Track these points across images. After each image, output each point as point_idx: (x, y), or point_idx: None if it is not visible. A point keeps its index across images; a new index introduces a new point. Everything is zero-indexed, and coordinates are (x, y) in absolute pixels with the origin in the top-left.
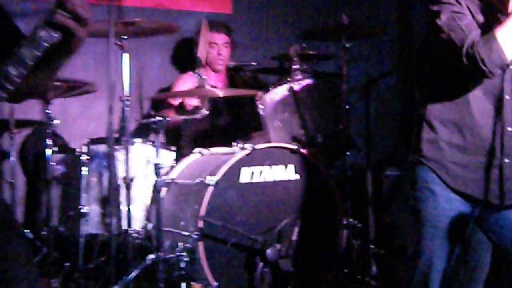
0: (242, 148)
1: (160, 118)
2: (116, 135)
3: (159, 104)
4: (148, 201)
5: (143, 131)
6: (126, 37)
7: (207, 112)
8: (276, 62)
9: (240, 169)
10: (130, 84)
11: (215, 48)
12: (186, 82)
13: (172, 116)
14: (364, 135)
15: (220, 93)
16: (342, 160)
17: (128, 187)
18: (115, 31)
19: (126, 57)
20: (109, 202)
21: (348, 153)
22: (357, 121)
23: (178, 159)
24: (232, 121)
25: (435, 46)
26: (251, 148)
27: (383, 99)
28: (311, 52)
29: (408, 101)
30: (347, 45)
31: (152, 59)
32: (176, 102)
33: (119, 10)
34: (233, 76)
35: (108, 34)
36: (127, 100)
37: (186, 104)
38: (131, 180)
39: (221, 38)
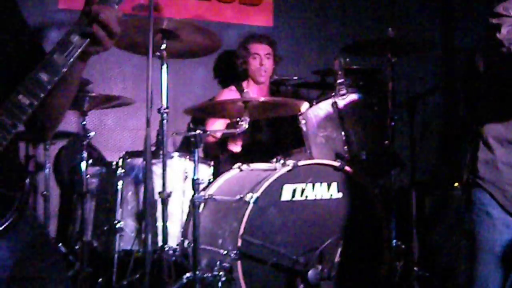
0: (284, 165)
1: (200, 132)
2: (153, 149)
3: (199, 119)
4: (185, 217)
5: (182, 145)
6: (164, 49)
7: (247, 126)
8: (318, 77)
9: (281, 187)
10: (168, 96)
11: (257, 59)
12: (228, 97)
13: (212, 130)
14: (409, 153)
15: (261, 98)
16: (386, 178)
17: (164, 202)
18: (155, 43)
19: (165, 68)
20: (144, 217)
21: (392, 171)
22: (401, 138)
23: (216, 174)
24: (272, 136)
25: (493, 60)
26: (293, 165)
27: (428, 116)
28: (355, 67)
29: (452, 119)
30: (393, 60)
31: (192, 71)
32: (216, 137)
33: (159, 21)
34: (275, 91)
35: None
36: (165, 112)
37: (229, 146)
38: (168, 195)
39: (263, 49)
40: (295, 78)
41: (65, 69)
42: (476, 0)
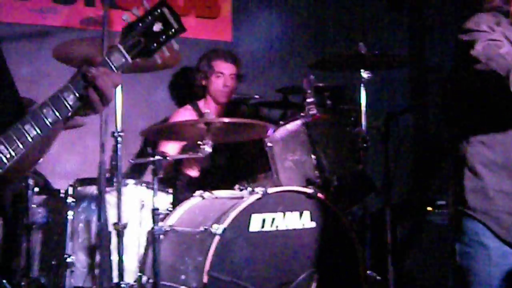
0: (252, 192)
1: (159, 157)
2: (107, 175)
3: (152, 142)
4: (143, 251)
5: (137, 171)
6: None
7: (210, 150)
8: (281, 95)
9: (250, 216)
10: (122, 117)
11: (221, 78)
12: (184, 117)
13: (172, 155)
14: (382, 176)
15: (225, 119)
16: (360, 205)
17: (120, 234)
18: None
19: (118, 87)
20: (98, 251)
21: (366, 197)
22: (374, 161)
23: (175, 202)
24: (234, 160)
25: (471, 79)
26: (262, 192)
27: (400, 137)
28: (321, 84)
29: (423, 139)
30: (365, 77)
31: (149, 90)
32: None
33: (110, 35)
34: (233, 111)
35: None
36: (120, 136)
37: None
38: (124, 226)
39: (228, 68)
40: (256, 96)
41: (51, 126)
42: (446, 15)
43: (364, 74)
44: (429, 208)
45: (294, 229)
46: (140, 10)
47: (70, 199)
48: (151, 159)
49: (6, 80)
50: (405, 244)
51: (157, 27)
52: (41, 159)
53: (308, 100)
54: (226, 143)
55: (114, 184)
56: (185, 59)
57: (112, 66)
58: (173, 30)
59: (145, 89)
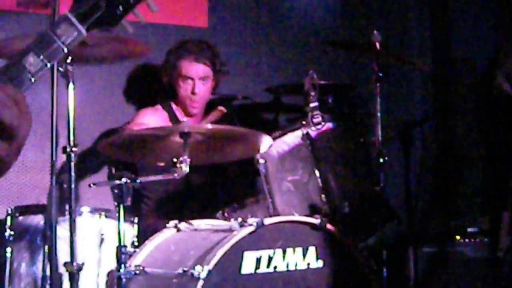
0: (243, 224)
1: (126, 180)
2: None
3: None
4: None
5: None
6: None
7: (187, 170)
8: (270, 96)
9: (242, 255)
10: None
11: (188, 83)
12: (153, 120)
13: (142, 178)
14: (403, 199)
15: (207, 126)
16: (377, 236)
17: (73, 278)
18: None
19: (71, 88)
20: None
21: (384, 226)
22: (393, 180)
23: (140, 235)
24: (215, 179)
25: None
26: (256, 224)
27: (421, 150)
28: (323, 82)
29: (448, 152)
30: (380, 74)
31: (106, 90)
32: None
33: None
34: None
35: None
36: (74, 152)
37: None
38: (79, 267)
39: (197, 71)
40: (240, 97)
41: None
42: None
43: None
44: (458, 237)
45: (297, 270)
46: None
47: (8, 232)
48: (117, 182)
49: None
50: (429, 280)
51: None
52: None
53: (312, 105)
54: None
55: (66, 212)
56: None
57: (60, 43)
58: None
59: (102, 88)
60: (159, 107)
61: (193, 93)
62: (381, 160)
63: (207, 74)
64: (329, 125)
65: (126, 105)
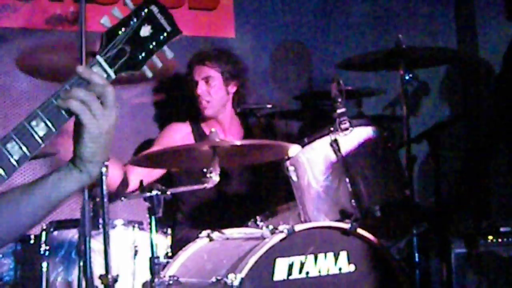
0: (274, 231)
1: (157, 192)
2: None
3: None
4: None
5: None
6: None
7: (218, 179)
8: (299, 103)
9: (274, 262)
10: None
11: (194, 87)
12: (179, 133)
13: (173, 189)
14: (434, 202)
15: (236, 142)
16: (408, 239)
17: None
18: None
19: None
20: None
21: (415, 229)
22: (423, 183)
23: (174, 246)
24: (246, 188)
25: None
26: (287, 231)
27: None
28: (350, 88)
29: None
30: (406, 77)
31: (135, 107)
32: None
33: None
34: (243, 125)
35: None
36: (105, 166)
37: None
38: (114, 279)
39: (199, 72)
40: (269, 106)
41: (19, 166)
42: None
43: (406, 74)
44: (490, 237)
45: (329, 275)
46: (123, 11)
47: (43, 247)
48: (148, 194)
49: None
50: (462, 282)
51: (144, 31)
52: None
53: (339, 110)
54: (237, 167)
55: (99, 226)
56: (178, 64)
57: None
58: (165, 34)
59: (131, 106)
60: (187, 122)
61: (197, 94)
62: (410, 163)
63: (210, 74)
64: (356, 130)
65: (155, 119)
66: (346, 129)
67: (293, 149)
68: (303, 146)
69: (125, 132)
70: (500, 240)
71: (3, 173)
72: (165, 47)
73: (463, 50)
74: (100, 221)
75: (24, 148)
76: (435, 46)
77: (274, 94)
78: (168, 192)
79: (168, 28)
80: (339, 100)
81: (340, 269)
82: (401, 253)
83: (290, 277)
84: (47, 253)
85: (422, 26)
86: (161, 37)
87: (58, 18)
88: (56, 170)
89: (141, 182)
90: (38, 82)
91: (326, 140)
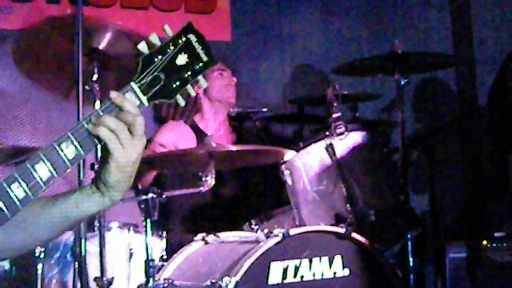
0: (269, 235)
1: (153, 195)
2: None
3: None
4: None
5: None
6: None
7: (213, 183)
8: (294, 107)
9: (268, 265)
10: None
11: (225, 77)
12: (176, 132)
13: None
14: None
15: (231, 147)
16: (402, 244)
17: None
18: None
19: (97, 106)
20: None
21: (409, 233)
22: (417, 188)
23: (169, 248)
24: (241, 191)
25: None
26: (282, 235)
27: (447, 155)
28: (345, 92)
29: (473, 158)
30: (402, 82)
31: None
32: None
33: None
34: (237, 129)
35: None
36: None
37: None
38: (109, 282)
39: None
40: (264, 110)
41: (44, 186)
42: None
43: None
44: (484, 242)
45: (324, 279)
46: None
47: (38, 249)
48: (143, 197)
49: None
50: (457, 286)
51: (181, 59)
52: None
53: (334, 115)
54: (231, 170)
55: (95, 229)
56: None
57: None
58: (201, 64)
59: None
60: (181, 122)
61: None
62: (405, 168)
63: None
64: (352, 135)
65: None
66: (342, 133)
67: (289, 154)
68: (298, 151)
69: None
70: (495, 245)
71: (29, 193)
72: (199, 77)
73: (459, 55)
74: (96, 223)
75: (52, 170)
76: (431, 51)
77: (270, 98)
78: (164, 196)
79: (205, 58)
80: (335, 104)
81: (334, 273)
82: (395, 257)
83: (285, 281)
84: (42, 255)
85: (418, 31)
86: (197, 66)
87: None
88: (79, 191)
89: (137, 185)
90: (35, 84)
91: (321, 145)
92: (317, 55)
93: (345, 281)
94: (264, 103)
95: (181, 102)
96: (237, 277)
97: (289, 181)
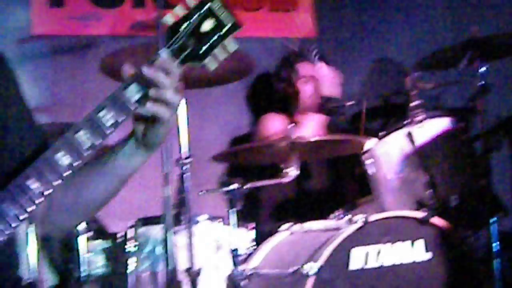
0: (350, 221)
1: (236, 186)
2: (174, 212)
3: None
4: None
5: (209, 205)
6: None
7: (297, 173)
8: (380, 101)
9: (349, 251)
10: (188, 141)
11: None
12: (275, 123)
13: (251, 183)
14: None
15: (313, 138)
16: (485, 229)
17: (193, 283)
18: None
19: (183, 104)
20: None
21: (492, 219)
22: (500, 172)
23: (258, 239)
24: (326, 183)
25: None
26: (362, 221)
27: None
28: (429, 83)
29: None
30: (480, 70)
31: (217, 107)
32: None
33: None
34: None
35: None
36: (187, 164)
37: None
38: (197, 273)
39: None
40: (350, 103)
41: (87, 153)
42: None
43: (481, 66)
44: None
45: (405, 264)
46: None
47: (130, 244)
48: (226, 189)
49: (21, 109)
50: None
51: (206, 26)
52: (104, 204)
53: (413, 103)
54: (317, 162)
55: (183, 222)
56: (259, 64)
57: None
58: (225, 29)
59: (213, 105)
60: (281, 114)
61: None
62: (488, 153)
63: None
64: (432, 122)
65: (235, 121)
66: (421, 121)
67: (370, 143)
68: (379, 140)
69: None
70: None
71: (75, 160)
72: (226, 41)
73: None
74: (184, 217)
75: (92, 137)
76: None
77: (355, 92)
78: (247, 186)
79: (228, 24)
80: (413, 93)
81: (416, 257)
82: (480, 242)
83: (366, 266)
84: (134, 249)
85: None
86: (222, 32)
87: (140, 24)
88: (120, 150)
89: (221, 176)
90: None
91: (401, 133)
92: (397, 45)
93: (426, 265)
94: (350, 97)
95: (212, 65)
96: (319, 264)
97: (371, 170)
